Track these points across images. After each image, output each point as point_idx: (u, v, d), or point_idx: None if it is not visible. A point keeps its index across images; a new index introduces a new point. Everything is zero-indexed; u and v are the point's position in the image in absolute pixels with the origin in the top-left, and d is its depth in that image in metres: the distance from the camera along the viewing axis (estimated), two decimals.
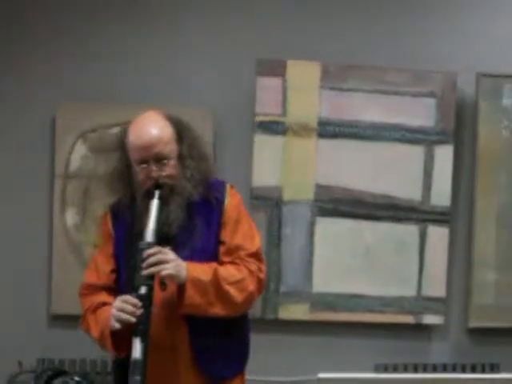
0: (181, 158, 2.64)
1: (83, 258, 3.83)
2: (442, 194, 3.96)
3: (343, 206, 3.92)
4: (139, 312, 2.46)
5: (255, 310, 3.86)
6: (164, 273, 2.50)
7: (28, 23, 3.86)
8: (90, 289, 2.70)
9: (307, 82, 3.88)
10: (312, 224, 3.91)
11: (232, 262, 2.65)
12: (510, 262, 4.00)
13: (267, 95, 3.85)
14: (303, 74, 3.87)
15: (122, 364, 2.58)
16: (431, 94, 3.94)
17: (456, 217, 4.02)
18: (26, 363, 3.79)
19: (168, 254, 2.53)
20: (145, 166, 2.58)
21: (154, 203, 2.54)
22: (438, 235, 3.96)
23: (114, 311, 2.49)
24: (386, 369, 3.92)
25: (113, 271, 2.69)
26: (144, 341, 2.44)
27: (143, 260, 2.50)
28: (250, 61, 3.84)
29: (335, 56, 3.91)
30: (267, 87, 3.85)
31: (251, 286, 2.64)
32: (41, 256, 3.86)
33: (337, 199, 3.92)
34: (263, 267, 2.72)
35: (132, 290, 2.53)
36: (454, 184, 3.98)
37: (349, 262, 3.93)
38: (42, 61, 3.86)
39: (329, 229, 3.92)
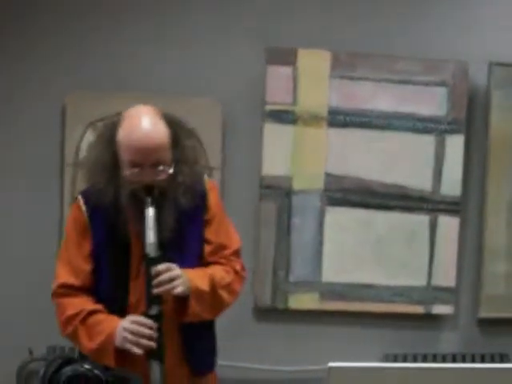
0: (174, 162, 2.49)
1: None
2: (452, 184, 3.94)
3: (353, 195, 3.91)
4: (156, 335, 2.40)
5: (265, 300, 3.87)
6: (176, 291, 2.43)
7: (39, 12, 3.85)
8: (68, 289, 2.54)
9: (317, 71, 3.86)
10: (322, 213, 3.90)
11: (217, 262, 2.62)
12: None
13: (277, 84, 3.83)
14: (314, 63, 3.85)
15: None
16: (443, 83, 3.92)
17: (467, 207, 4.01)
18: (37, 351, 3.80)
19: (176, 269, 2.45)
20: (137, 169, 2.43)
21: (150, 212, 2.41)
22: (449, 225, 3.95)
23: (127, 334, 2.41)
24: (395, 359, 3.92)
25: (91, 271, 2.54)
26: (162, 363, 2.40)
27: (151, 277, 2.41)
28: (260, 49, 3.82)
29: (346, 45, 3.89)
30: (277, 76, 3.83)
31: (238, 286, 2.65)
32: (51, 243, 3.87)
33: (347, 189, 3.90)
34: (243, 264, 2.69)
35: (123, 300, 2.48)
36: (464, 174, 3.97)
37: (359, 252, 3.92)
38: (52, 50, 3.85)
39: (339, 218, 3.91)
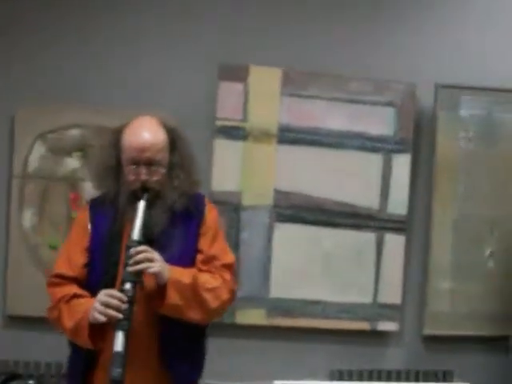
0: (171, 167, 2.72)
1: (39, 260, 3.81)
2: (399, 203, 3.99)
3: (302, 212, 3.94)
4: (124, 307, 2.50)
5: None
6: (151, 270, 2.56)
7: None
8: (61, 279, 2.71)
9: (268, 88, 3.89)
10: (270, 229, 3.92)
11: (208, 271, 2.73)
12: (465, 270, 4.04)
13: (228, 100, 3.86)
14: (265, 80, 3.89)
15: (80, 361, 2.67)
16: (391, 104, 3.98)
17: (413, 225, 4.06)
18: None
19: (154, 253, 2.60)
20: (135, 167, 2.65)
21: (141, 204, 2.62)
22: (395, 243, 3.99)
23: (97, 305, 2.54)
24: (341, 375, 3.94)
25: (85, 265, 2.71)
26: (126, 335, 2.49)
27: (130, 257, 2.55)
28: (211, 65, 3.84)
29: (297, 63, 3.93)
30: (229, 92, 3.85)
31: (225, 294, 2.72)
32: None
33: (296, 205, 3.93)
34: (236, 279, 2.82)
35: (110, 285, 2.60)
36: (411, 193, 4.02)
37: (306, 269, 3.94)
38: (0, 62, 3.82)
39: (287, 235, 3.93)
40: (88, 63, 3.85)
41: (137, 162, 2.66)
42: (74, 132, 3.84)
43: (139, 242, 2.59)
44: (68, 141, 3.83)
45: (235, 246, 3.88)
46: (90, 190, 3.71)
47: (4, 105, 3.78)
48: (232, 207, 3.88)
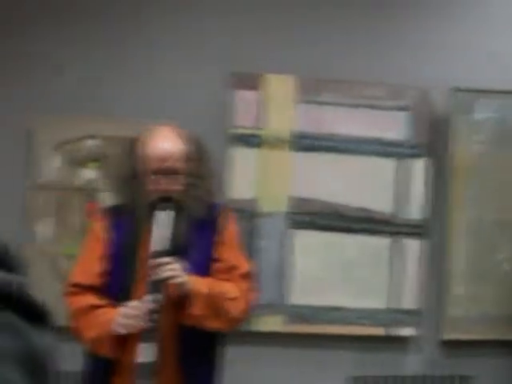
0: (191, 176, 2.72)
1: (58, 270, 3.82)
2: (414, 207, 3.99)
3: (318, 218, 3.94)
4: (148, 318, 2.53)
5: None
6: (175, 281, 2.59)
7: (2, 37, 3.83)
8: (77, 288, 2.73)
9: (283, 96, 3.90)
10: (287, 236, 3.92)
11: (227, 280, 2.75)
12: (482, 274, 4.03)
13: (243, 108, 3.86)
14: (279, 88, 3.89)
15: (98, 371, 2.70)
16: (405, 108, 3.97)
17: (429, 230, 4.05)
18: None
19: (178, 264, 2.62)
20: (155, 177, 2.66)
21: (162, 215, 2.63)
22: (411, 248, 3.99)
23: (120, 318, 2.56)
24: (356, 382, 3.93)
25: (102, 273, 2.73)
26: (152, 345, 2.52)
27: (154, 268, 2.57)
28: (225, 74, 3.84)
29: (311, 70, 3.93)
30: (243, 100, 3.86)
31: (243, 304, 2.76)
32: None
33: (312, 212, 3.93)
34: (253, 288, 2.84)
35: (128, 294, 2.63)
36: (427, 197, 4.02)
37: (323, 275, 3.94)
38: (17, 73, 3.84)
39: (303, 241, 3.93)
40: (102, 74, 3.86)
41: (157, 172, 2.66)
42: (90, 143, 3.85)
43: (162, 253, 2.60)
44: (83, 151, 3.85)
45: (252, 253, 3.88)
46: (106, 199, 3.76)
47: (21, 117, 3.79)
48: (248, 215, 3.87)
